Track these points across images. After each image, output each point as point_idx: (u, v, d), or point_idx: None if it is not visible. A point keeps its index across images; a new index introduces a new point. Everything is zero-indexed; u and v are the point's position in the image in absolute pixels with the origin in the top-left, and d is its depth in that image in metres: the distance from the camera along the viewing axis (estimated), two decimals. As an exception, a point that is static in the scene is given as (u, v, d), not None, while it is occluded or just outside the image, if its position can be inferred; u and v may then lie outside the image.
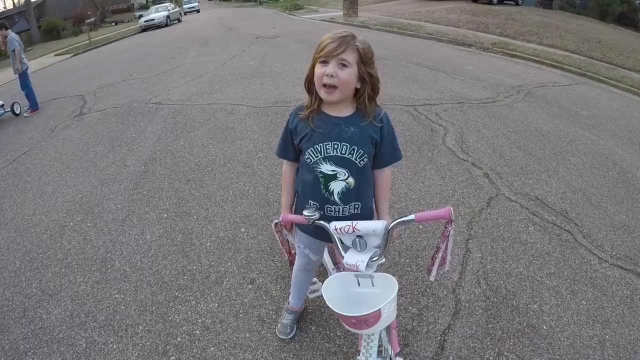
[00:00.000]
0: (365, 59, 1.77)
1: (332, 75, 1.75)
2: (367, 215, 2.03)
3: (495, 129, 5.73)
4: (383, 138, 1.88)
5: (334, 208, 1.98)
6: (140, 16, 39.93)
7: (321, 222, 1.88)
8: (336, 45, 1.75)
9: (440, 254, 1.79)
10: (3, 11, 59.01)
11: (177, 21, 30.86)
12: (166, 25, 28.12)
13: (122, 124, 6.84)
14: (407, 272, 3.15)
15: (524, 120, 6.17)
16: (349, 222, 1.79)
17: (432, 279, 1.89)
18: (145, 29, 27.94)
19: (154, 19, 28.44)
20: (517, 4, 27.33)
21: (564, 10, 27.40)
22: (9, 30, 8.75)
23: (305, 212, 1.90)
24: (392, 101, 6.50)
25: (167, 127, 6.30)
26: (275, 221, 2.25)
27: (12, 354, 2.91)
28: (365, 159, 1.88)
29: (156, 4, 47.78)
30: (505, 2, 26.93)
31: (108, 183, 4.97)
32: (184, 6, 42.50)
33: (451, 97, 7.10)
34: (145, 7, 68.18)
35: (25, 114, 8.83)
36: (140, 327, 2.89)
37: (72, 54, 20.99)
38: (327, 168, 1.91)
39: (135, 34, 27.25)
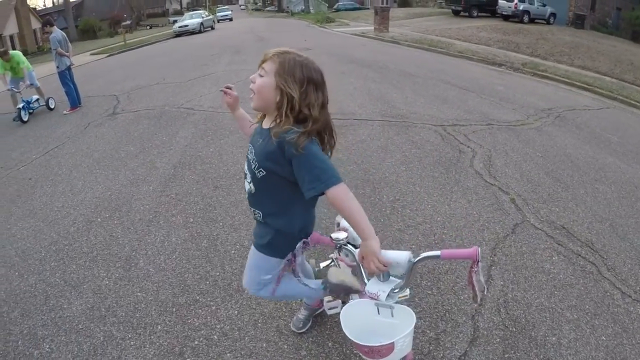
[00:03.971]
0: (282, 71, 1.75)
1: (251, 81, 1.84)
2: (273, 230, 2.00)
3: (523, 153, 5.67)
4: (293, 164, 1.76)
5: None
6: (175, 21, 40.80)
7: (348, 246, 1.90)
8: (264, 57, 1.82)
9: (475, 289, 1.76)
10: (43, 9, 61.17)
11: (210, 28, 31.45)
12: (199, 32, 28.67)
13: (154, 126, 6.99)
14: (428, 295, 3.12)
15: (553, 145, 6.09)
16: None
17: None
18: (179, 35, 28.57)
19: (187, 25, 29.03)
20: (548, 23, 26.97)
21: (595, 30, 26.92)
22: (54, 28, 8.98)
23: (333, 235, 1.92)
24: (421, 120, 6.49)
25: (198, 132, 6.41)
26: (304, 240, 2.25)
27: (30, 338, 3.00)
28: (263, 173, 1.87)
29: (190, 11, 48.97)
30: (536, 20, 26.65)
31: (137, 183, 5.08)
32: (218, 14, 43.33)
33: (480, 118, 7.05)
34: (179, 13, 69.94)
35: (64, 112, 9.08)
36: (159, 327, 2.93)
37: (107, 54, 21.57)
38: (244, 167, 2.03)
39: (169, 38, 27.85)
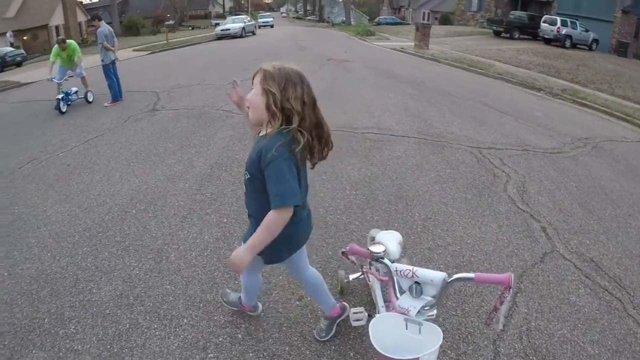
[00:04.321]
0: (264, 78, 2.01)
1: (249, 98, 2.08)
2: (254, 229, 2.06)
3: (558, 182, 5.60)
4: (262, 170, 1.98)
5: None
6: (217, 24, 41.42)
7: (385, 260, 1.94)
8: (253, 75, 2.09)
9: (497, 314, 1.77)
10: (89, 3, 63.06)
11: (251, 34, 31.86)
12: (241, 36, 29.10)
13: (192, 125, 7.16)
14: (452, 315, 3.12)
15: (588, 175, 6.00)
16: (410, 267, 1.86)
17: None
18: (220, 38, 29.02)
19: (229, 29, 29.52)
20: (590, 49, 26.47)
21: (638, 59, 26.28)
22: (102, 22, 9.33)
23: (371, 248, 1.97)
24: (458, 140, 6.46)
25: (236, 135, 6.53)
26: (343, 250, 2.30)
27: (57, 318, 3.12)
28: (247, 176, 2.13)
29: (233, 15, 49.73)
30: (578, 45, 26.21)
31: (174, 179, 5.23)
32: (259, 20, 43.91)
33: (517, 143, 6.99)
34: (221, 16, 71.14)
35: (105, 104, 9.40)
36: (185, 320, 3.02)
37: (149, 52, 22.12)
38: None
39: (210, 40, 28.34)
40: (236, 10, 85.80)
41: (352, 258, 2.28)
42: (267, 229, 1.94)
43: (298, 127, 1.97)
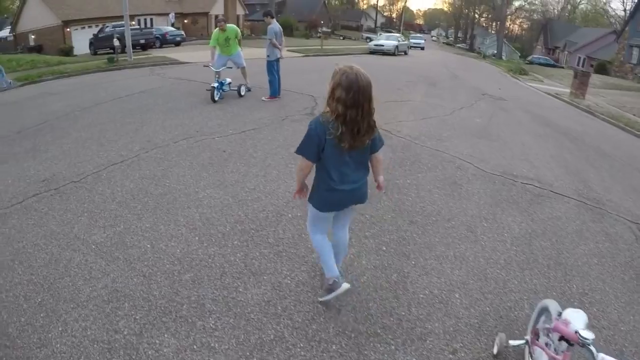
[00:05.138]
0: (332, 76, 2.73)
1: None
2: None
3: None
4: None
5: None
6: (367, 38, 42.20)
7: (592, 348, 1.99)
8: None
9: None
10: (247, -1, 67.74)
11: (403, 53, 32.15)
12: (393, 54, 29.37)
13: (351, 140, 7.11)
14: None
15: None
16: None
17: None
18: (372, 52, 29.54)
19: (383, 45, 29.99)
20: None
21: None
22: (273, 20, 9.78)
23: (582, 333, 2.06)
24: (617, 211, 5.74)
25: (396, 159, 6.41)
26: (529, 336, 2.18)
27: (197, 307, 3.18)
28: None
29: (384, 31, 50.49)
30: None
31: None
32: (411, 40, 44.19)
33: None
34: (372, 31, 73.00)
35: (263, 98, 9.89)
36: (334, 347, 2.92)
37: (303, 54, 23.15)
38: None
39: (362, 53, 28.97)
40: (387, 26, 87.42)
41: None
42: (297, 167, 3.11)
43: (335, 119, 2.69)
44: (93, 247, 3.91)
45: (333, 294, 3.17)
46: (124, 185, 5.14)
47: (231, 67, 10.23)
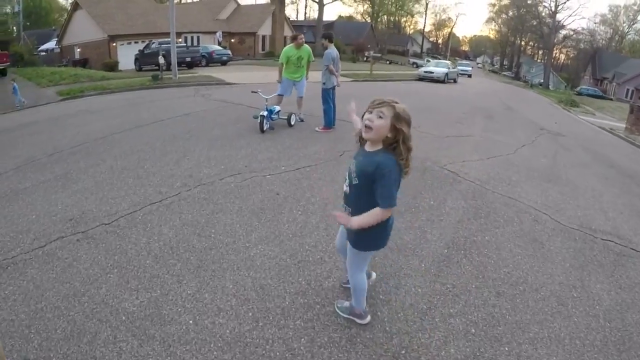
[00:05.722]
0: (398, 117, 2.61)
1: (370, 120, 2.64)
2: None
3: None
4: (376, 178, 2.66)
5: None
6: (414, 64, 41.52)
7: None
8: (379, 102, 2.66)
9: None
10: (294, 20, 68.68)
11: (453, 81, 31.45)
12: (443, 81, 28.69)
13: (418, 182, 6.29)
14: None
15: None
16: None
17: None
18: (421, 79, 28.93)
19: (433, 72, 29.39)
20: None
21: None
22: (332, 44, 9.01)
23: None
24: None
25: (469, 208, 5.58)
26: None
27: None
28: (356, 181, 2.80)
29: (430, 57, 49.86)
30: None
31: (406, 252, 4.37)
32: (458, 67, 43.40)
33: None
34: (417, 55, 72.75)
35: (316, 129, 9.19)
36: None
37: (352, 79, 22.63)
38: (345, 174, 3.00)
39: (411, 80, 28.36)
40: (433, 52, 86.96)
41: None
42: (373, 217, 2.68)
43: (408, 154, 2.67)
44: (123, 318, 3.23)
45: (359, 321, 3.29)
46: (161, 234, 4.47)
47: (282, 95, 9.54)
